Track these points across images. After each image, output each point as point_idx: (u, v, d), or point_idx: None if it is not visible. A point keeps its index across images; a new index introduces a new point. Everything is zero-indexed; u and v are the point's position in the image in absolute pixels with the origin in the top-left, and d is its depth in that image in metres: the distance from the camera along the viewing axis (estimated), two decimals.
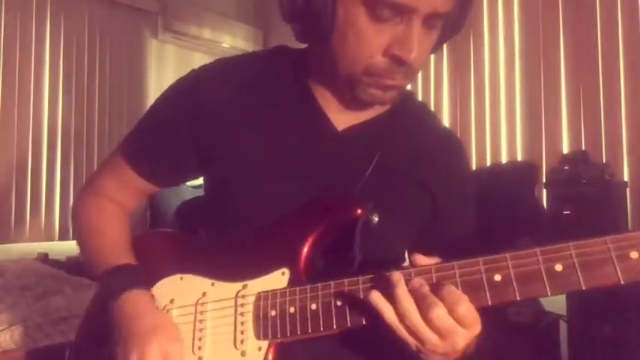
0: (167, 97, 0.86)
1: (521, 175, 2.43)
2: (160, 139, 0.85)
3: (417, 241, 0.84)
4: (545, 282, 0.53)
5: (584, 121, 2.62)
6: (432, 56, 0.83)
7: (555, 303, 2.13)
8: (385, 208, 0.72)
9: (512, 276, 0.54)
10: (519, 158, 2.86)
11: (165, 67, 3.96)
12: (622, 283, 0.49)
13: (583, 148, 2.57)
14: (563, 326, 2.14)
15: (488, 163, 2.96)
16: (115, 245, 0.85)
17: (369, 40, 0.68)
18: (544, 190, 2.37)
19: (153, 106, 0.88)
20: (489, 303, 0.56)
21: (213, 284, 0.76)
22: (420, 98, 1.01)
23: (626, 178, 2.43)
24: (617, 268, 0.50)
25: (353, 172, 0.77)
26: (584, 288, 0.51)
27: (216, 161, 0.82)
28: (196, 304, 0.76)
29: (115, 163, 0.89)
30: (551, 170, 2.31)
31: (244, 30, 4.19)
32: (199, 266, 0.78)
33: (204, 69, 0.85)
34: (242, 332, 0.70)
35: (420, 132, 0.85)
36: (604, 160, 2.46)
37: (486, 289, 0.56)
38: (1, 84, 3.19)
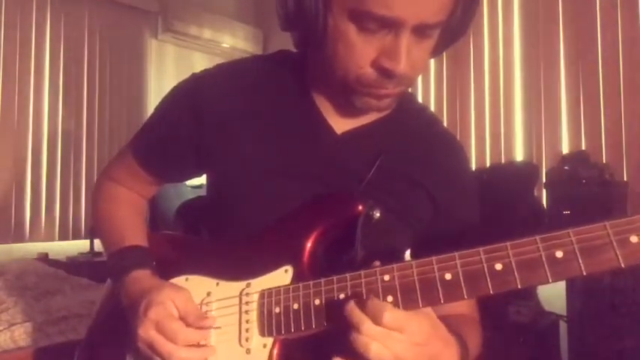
0: (169, 97, 0.87)
1: (521, 175, 2.43)
2: (161, 138, 0.86)
3: (419, 242, 0.84)
4: (547, 269, 0.52)
5: (584, 121, 2.63)
6: None
7: (555, 303, 2.13)
8: (386, 209, 0.73)
9: (514, 264, 0.54)
10: (519, 158, 2.87)
11: (165, 67, 3.97)
12: (623, 267, 0.49)
13: (583, 148, 2.58)
14: (563, 326, 2.14)
15: (488, 163, 2.96)
16: (122, 229, 0.88)
17: (358, 52, 0.68)
18: (544, 190, 2.37)
19: (158, 106, 0.89)
20: (491, 292, 0.56)
21: (217, 284, 0.76)
22: (419, 98, 1.00)
23: (626, 178, 2.44)
24: (618, 253, 0.50)
25: (352, 175, 0.78)
26: (585, 274, 0.51)
27: (216, 163, 0.83)
28: (201, 303, 0.76)
29: (126, 155, 0.92)
30: (551, 170, 2.32)
31: (244, 30, 4.20)
32: (204, 267, 0.79)
33: (205, 72, 0.86)
34: (247, 330, 0.70)
35: (419, 134, 0.85)
36: (604, 160, 2.47)
37: (488, 278, 0.56)
38: (1, 84, 3.19)
